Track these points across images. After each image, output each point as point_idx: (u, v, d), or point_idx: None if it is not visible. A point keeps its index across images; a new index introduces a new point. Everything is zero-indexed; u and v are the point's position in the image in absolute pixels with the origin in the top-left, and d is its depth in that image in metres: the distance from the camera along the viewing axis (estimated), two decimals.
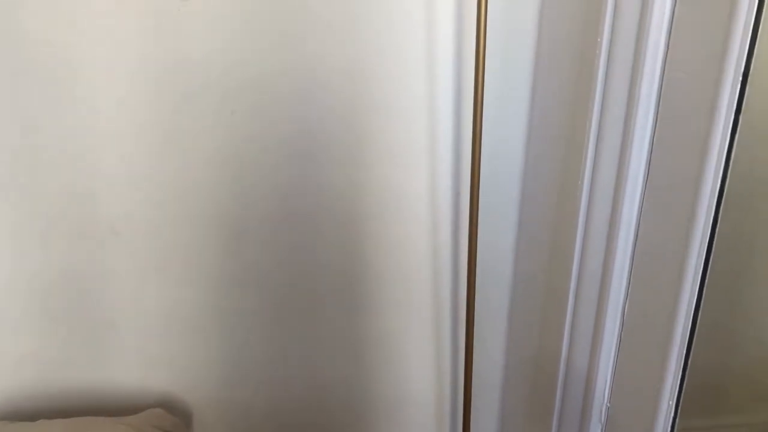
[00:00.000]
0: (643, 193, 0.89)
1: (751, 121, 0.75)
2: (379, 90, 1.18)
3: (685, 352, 0.85)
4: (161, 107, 1.12)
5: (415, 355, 1.43)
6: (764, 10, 0.70)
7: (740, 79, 0.72)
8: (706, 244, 0.80)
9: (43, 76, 1.08)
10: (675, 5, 0.79)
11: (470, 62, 1.07)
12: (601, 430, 1.01)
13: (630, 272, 0.93)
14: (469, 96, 1.15)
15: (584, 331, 1.03)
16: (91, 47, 1.07)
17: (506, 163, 1.28)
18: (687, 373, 0.86)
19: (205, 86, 1.12)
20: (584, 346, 1.04)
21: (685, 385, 0.87)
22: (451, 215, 1.31)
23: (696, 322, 0.84)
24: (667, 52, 0.81)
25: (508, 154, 1.28)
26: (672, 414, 0.87)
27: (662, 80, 0.83)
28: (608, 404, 1.00)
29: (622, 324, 0.96)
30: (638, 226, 0.91)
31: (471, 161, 1.07)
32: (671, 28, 0.80)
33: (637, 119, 0.85)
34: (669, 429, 0.87)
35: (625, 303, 0.95)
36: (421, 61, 1.17)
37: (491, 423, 1.54)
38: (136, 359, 1.32)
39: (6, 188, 1.14)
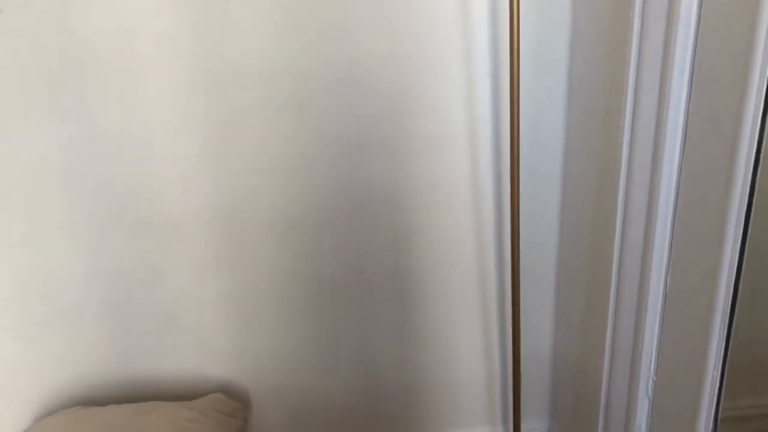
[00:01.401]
0: (680, 173, 0.90)
1: None
2: (420, 85, 1.21)
3: (727, 325, 0.86)
4: (216, 111, 1.18)
5: (464, 344, 1.47)
6: None
7: None
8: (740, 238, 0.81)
9: (106, 80, 1.15)
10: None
11: (505, 58, 1.10)
12: (649, 403, 1.02)
13: (670, 252, 0.94)
14: (506, 87, 1.17)
15: (628, 310, 1.05)
16: (149, 52, 1.14)
17: (545, 158, 1.31)
18: (730, 347, 0.87)
19: (252, 85, 1.17)
20: (628, 326, 1.05)
21: (728, 359, 0.87)
22: (494, 207, 1.34)
23: (736, 297, 0.85)
24: (696, 44, 0.83)
25: (547, 147, 1.30)
26: (717, 386, 0.88)
27: (693, 67, 0.84)
28: (654, 378, 1.01)
29: (665, 300, 0.97)
30: (676, 205, 0.92)
31: (510, 155, 1.10)
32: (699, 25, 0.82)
33: (670, 109, 0.87)
34: (715, 399, 0.88)
35: (666, 282, 0.96)
36: (458, 52, 1.20)
37: (542, 401, 1.55)
38: (196, 348, 1.38)
39: (77, 187, 1.21)
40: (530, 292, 1.39)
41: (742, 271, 0.84)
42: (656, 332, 0.99)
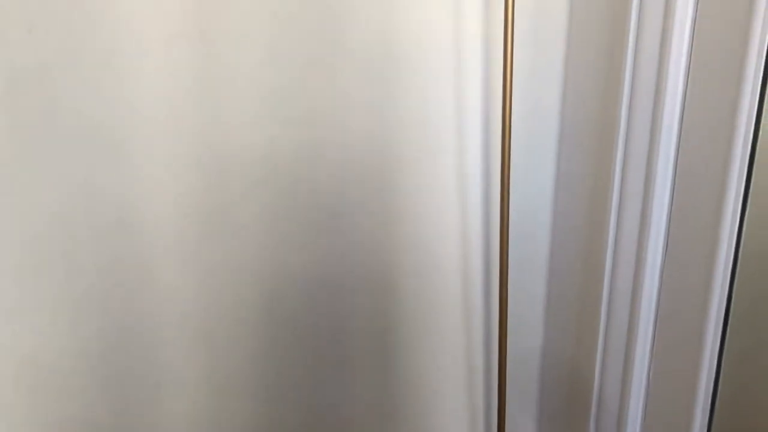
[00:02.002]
0: (672, 192, 0.90)
1: None
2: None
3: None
4: (209, 197, 1.19)
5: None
6: None
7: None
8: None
9: (101, 147, 1.13)
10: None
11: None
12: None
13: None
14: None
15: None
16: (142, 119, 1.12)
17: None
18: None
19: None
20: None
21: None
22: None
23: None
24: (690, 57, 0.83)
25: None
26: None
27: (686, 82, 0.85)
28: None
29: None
30: (669, 226, 0.92)
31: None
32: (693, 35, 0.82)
33: (664, 119, 0.87)
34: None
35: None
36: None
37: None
38: (184, 420, 1.38)
39: (65, 257, 1.18)
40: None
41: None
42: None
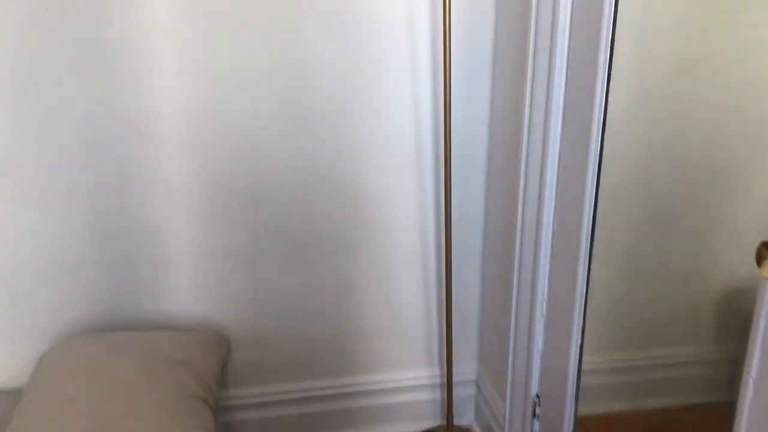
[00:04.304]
0: (559, 163, 1.34)
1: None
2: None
3: (587, 271, 1.29)
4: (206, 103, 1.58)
5: (408, 298, 1.87)
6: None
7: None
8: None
9: (115, 64, 1.50)
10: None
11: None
12: (544, 322, 1.45)
13: (553, 225, 1.38)
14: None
15: (526, 266, 1.49)
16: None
17: (473, 148, 1.75)
18: (589, 284, 1.30)
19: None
20: (527, 277, 1.49)
21: (588, 291, 1.31)
22: (434, 185, 1.75)
23: (592, 251, 1.28)
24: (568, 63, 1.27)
25: (474, 140, 1.74)
26: (583, 307, 1.31)
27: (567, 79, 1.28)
28: (546, 302, 1.44)
29: (551, 258, 1.41)
30: (557, 191, 1.36)
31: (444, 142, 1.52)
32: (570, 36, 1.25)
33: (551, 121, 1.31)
34: (583, 313, 1.31)
35: (551, 248, 1.40)
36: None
37: (471, 348, 1.97)
38: (187, 291, 1.73)
39: (88, 152, 1.55)
40: (462, 258, 1.81)
41: (595, 231, 1.27)
42: (546, 276, 1.42)
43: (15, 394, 1.57)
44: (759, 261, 0.68)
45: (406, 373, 1.94)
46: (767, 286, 0.72)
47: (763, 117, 1.11)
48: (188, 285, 1.72)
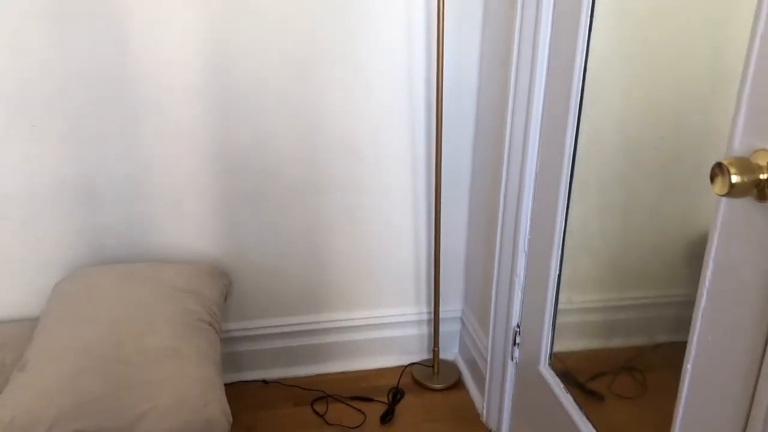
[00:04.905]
0: (541, 126, 1.45)
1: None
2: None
3: (565, 211, 1.41)
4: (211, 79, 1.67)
5: (399, 240, 1.99)
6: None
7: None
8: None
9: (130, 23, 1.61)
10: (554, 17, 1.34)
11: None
12: (525, 256, 1.58)
13: (535, 175, 1.49)
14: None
15: (510, 213, 1.60)
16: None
17: (463, 101, 1.84)
18: (567, 221, 1.42)
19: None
20: (510, 221, 1.61)
21: (566, 228, 1.43)
22: (425, 130, 1.86)
23: (570, 192, 1.40)
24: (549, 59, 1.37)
25: (464, 92, 1.84)
26: (561, 240, 1.44)
27: (547, 75, 1.38)
28: (528, 237, 1.57)
29: (534, 194, 1.52)
30: (540, 140, 1.47)
31: (436, 99, 1.62)
32: (552, 32, 1.36)
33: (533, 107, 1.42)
34: (561, 245, 1.44)
35: (533, 193, 1.52)
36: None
37: (456, 287, 2.10)
38: (193, 228, 1.85)
39: (103, 99, 1.65)
40: (451, 202, 1.93)
41: (573, 184, 1.39)
42: (529, 215, 1.54)
43: (32, 322, 1.67)
44: (712, 179, 0.79)
45: (395, 310, 2.07)
46: (720, 203, 0.84)
47: (726, 57, 1.21)
48: (194, 224, 1.82)
